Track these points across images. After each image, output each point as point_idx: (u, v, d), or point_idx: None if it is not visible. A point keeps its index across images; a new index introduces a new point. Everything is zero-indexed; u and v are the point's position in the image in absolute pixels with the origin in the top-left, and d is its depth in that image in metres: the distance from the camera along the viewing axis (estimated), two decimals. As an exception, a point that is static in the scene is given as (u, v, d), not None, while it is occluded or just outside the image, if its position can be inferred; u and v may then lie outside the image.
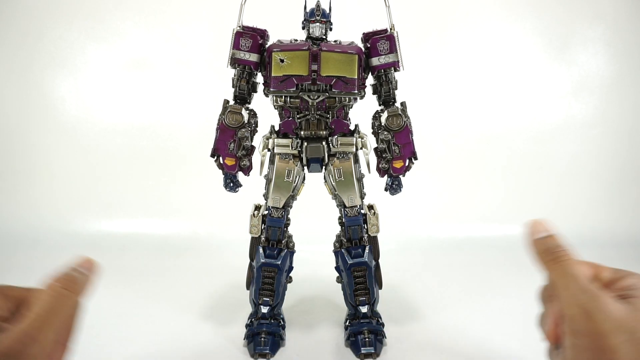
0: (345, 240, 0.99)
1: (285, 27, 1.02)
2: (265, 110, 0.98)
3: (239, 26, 0.92)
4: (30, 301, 0.44)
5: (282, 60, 0.88)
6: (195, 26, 1.87)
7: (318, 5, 0.92)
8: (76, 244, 1.67)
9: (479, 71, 1.93)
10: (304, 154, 0.94)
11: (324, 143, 0.94)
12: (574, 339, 0.41)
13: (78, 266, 0.48)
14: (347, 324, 1.02)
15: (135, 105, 1.89)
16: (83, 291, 0.47)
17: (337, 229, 1.03)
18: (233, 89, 0.94)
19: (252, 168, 0.95)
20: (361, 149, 0.96)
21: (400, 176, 0.96)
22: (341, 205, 0.97)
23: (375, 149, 0.95)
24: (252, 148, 0.95)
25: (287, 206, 0.97)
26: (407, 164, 0.95)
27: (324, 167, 0.96)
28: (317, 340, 1.02)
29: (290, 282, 1.03)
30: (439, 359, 0.95)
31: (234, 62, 0.92)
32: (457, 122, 1.93)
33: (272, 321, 0.99)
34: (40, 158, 1.88)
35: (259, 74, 0.95)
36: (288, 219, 0.99)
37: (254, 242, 0.99)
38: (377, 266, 1.01)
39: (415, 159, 0.96)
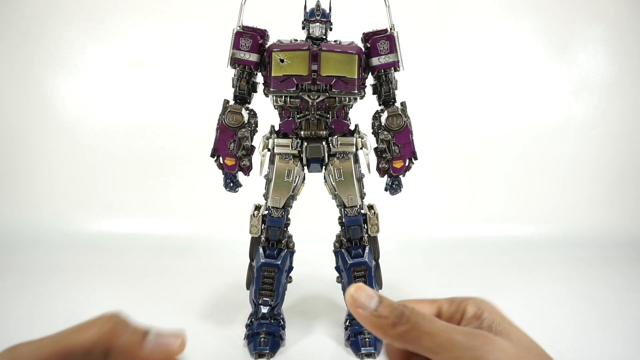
0: (345, 240, 0.99)
1: (285, 27, 1.02)
2: (265, 110, 0.98)
3: (239, 26, 0.92)
4: None
5: (282, 60, 0.88)
6: (195, 26, 1.87)
7: (318, 5, 0.92)
8: (76, 244, 1.67)
9: (479, 71, 1.93)
10: (304, 154, 0.94)
11: (324, 143, 0.94)
12: None
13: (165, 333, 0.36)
14: (347, 324, 1.02)
15: (135, 105, 1.89)
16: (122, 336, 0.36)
17: (337, 229, 1.03)
18: (233, 89, 0.94)
19: (252, 168, 0.95)
20: (361, 149, 0.96)
21: (400, 176, 0.96)
22: (341, 205, 0.97)
23: (375, 149, 0.95)
24: (252, 148, 0.95)
25: (287, 206, 0.97)
26: (407, 164, 0.95)
27: (324, 167, 0.96)
28: (317, 340, 1.02)
29: (290, 282, 1.03)
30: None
31: (234, 62, 0.92)
32: (457, 122, 1.93)
33: (272, 321, 0.99)
34: (40, 158, 1.88)
35: (259, 74, 0.95)
36: (288, 219, 0.99)
37: (254, 242, 0.99)
38: (377, 266, 1.01)
39: (415, 159, 0.96)
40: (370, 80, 0.96)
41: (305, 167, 0.96)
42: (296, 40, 0.92)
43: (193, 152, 1.73)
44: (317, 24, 0.91)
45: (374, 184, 1.01)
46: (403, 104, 0.95)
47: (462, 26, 1.93)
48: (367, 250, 0.96)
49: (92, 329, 0.36)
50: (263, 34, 0.93)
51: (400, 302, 0.38)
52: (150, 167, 1.87)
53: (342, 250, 0.98)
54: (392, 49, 0.92)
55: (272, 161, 0.96)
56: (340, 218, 1.00)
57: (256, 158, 0.95)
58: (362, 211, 0.97)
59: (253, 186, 1.03)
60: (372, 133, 0.96)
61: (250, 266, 1.00)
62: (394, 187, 0.97)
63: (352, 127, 0.96)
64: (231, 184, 0.96)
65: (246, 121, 0.92)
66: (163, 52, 1.88)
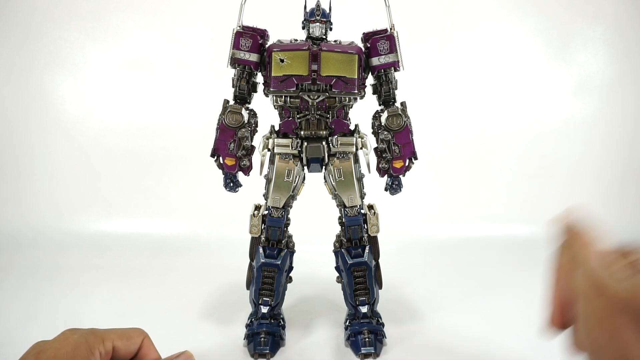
0: (345, 240, 0.99)
1: (285, 27, 1.02)
2: (265, 110, 0.98)
3: (239, 26, 0.92)
4: None
5: (282, 60, 0.88)
6: (195, 26, 1.87)
7: (318, 5, 0.92)
8: (76, 244, 1.67)
9: (479, 71, 1.93)
10: (304, 154, 0.94)
11: (324, 143, 0.94)
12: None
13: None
14: (347, 324, 1.02)
15: (135, 105, 1.89)
16: None
17: (337, 229, 1.03)
18: (233, 89, 0.94)
19: (252, 168, 0.95)
20: (361, 149, 0.96)
21: (400, 176, 0.96)
22: (341, 205, 0.97)
23: (375, 149, 0.95)
24: (252, 148, 0.95)
25: (287, 206, 0.97)
26: (407, 164, 0.95)
27: (324, 167, 0.96)
28: (317, 340, 1.02)
29: (290, 282, 1.03)
30: (439, 359, 0.95)
31: (234, 62, 0.92)
32: (457, 122, 1.93)
33: (272, 321, 0.99)
34: (40, 158, 1.88)
35: (259, 74, 0.95)
36: (288, 219, 0.99)
37: (254, 242, 0.99)
38: (377, 266, 1.01)
39: (416, 158, 0.96)
40: (370, 80, 0.96)
41: (305, 167, 0.96)
42: (296, 40, 0.92)
43: (193, 152, 1.73)
44: (317, 24, 0.91)
45: (374, 184, 1.01)
46: (403, 104, 0.95)
47: (462, 26, 1.93)
48: (367, 250, 0.97)
49: (138, 337, 0.44)
50: (263, 34, 0.94)
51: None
52: (150, 167, 1.87)
53: (342, 250, 0.98)
54: (392, 49, 0.92)
55: (272, 161, 0.96)
56: (340, 218, 1.00)
57: (256, 158, 0.95)
58: (362, 211, 0.97)
59: (253, 186, 1.03)
60: (372, 133, 0.96)
61: (250, 266, 1.00)
62: (394, 187, 0.97)
63: (352, 127, 0.96)
64: (231, 184, 0.96)
65: (246, 121, 0.93)
66: (163, 52, 1.88)
